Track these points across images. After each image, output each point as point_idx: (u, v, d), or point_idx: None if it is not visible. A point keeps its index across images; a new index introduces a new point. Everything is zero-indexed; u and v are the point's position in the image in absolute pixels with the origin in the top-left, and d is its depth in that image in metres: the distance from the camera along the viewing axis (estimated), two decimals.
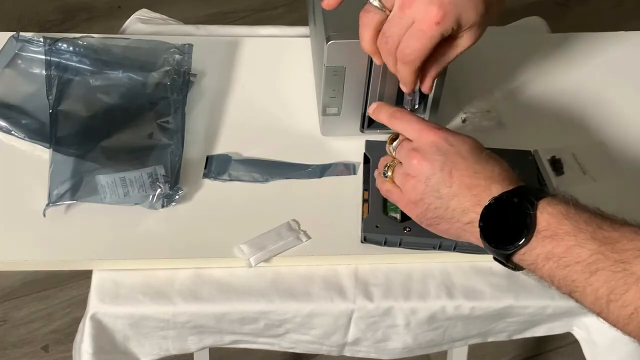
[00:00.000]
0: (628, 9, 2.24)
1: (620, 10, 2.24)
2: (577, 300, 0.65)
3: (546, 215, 0.66)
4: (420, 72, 0.78)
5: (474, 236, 0.71)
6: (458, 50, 0.77)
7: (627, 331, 0.63)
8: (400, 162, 0.77)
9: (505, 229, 0.67)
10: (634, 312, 0.61)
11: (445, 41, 0.75)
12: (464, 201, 0.71)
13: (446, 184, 0.72)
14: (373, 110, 0.83)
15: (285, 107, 0.98)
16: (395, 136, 0.78)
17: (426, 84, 0.80)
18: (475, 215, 0.70)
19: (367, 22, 0.76)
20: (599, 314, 0.64)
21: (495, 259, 0.71)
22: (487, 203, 0.69)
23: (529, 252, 0.66)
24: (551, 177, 0.91)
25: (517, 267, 0.70)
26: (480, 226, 0.69)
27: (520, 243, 0.66)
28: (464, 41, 0.76)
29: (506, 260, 0.69)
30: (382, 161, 0.80)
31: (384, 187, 0.79)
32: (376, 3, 0.75)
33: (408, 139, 0.77)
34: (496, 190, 0.69)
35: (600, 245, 0.63)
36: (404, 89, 0.81)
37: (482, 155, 0.73)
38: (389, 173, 0.78)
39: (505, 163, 0.74)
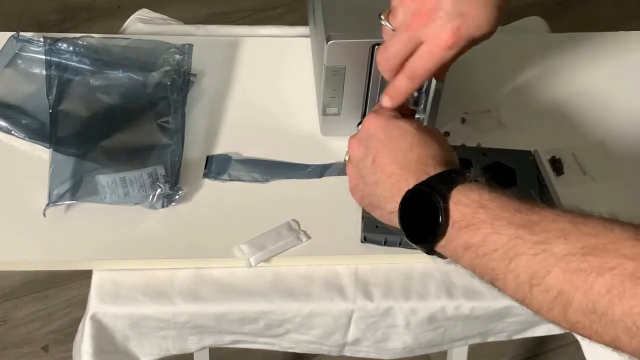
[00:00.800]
0: (628, 9, 2.24)
1: (620, 10, 2.24)
2: (500, 290, 0.62)
3: (460, 206, 0.63)
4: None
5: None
6: (465, 51, 0.75)
7: (551, 317, 0.61)
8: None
9: (422, 222, 0.65)
10: (557, 295, 0.58)
11: None
12: (385, 189, 0.70)
13: (370, 171, 0.71)
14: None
15: (285, 107, 0.98)
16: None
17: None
18: (395, 204, 0.68)
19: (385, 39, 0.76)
20: (522, 302, 0.62)
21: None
22: (403, 194, 0.68)
23: (448, 244, 0.64)
24: (551, 177, 0.91)
25: (442, 256, 0.67)
26: (399, 219, 0.68)
27: (437, 234, 0.64)
28: (476, 44, 0.74)
29: (430, 250, 0.67)
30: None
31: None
32: (384, 22, 0.74)
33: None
34: (412, 180, 0.67)
35: (517, 229, 0.60)
36: (386, 99, 0.79)
37: (413, 140, 0.71)
38: (346, 157, 0.77)
39: (439, 144, 0.71)
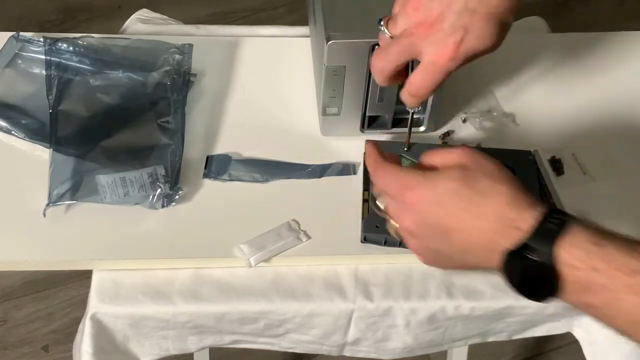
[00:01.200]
0: (628, 9, 2.24)
1: (620, 10, 2.24)
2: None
3: (571, 269, 0.59)
4: None
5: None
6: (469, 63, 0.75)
7: None
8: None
9: (530, 281, 0.62)
10: None
11: None
12: (477, 256, 0.65)
13: (447, 245, 0.66)
14: (366, 152, 0.76)
15: (285, 107, 0.98)
16: (379, 193, 0.72)
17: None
18: (493, 265, 0.64)
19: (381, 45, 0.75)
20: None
21: None
22: (500, 258, 0.63)
23: (566, 298, 0.61)
24: (551, 177, 0.91)
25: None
26: (507, 283, 0.65)
27: (552, 297, 0.62)
28: (479, 57, 0.73)
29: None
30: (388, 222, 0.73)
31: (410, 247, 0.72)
32: (384, 30, 0.73)
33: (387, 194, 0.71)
34: (504, 241, 0.62)
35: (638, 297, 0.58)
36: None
37: (476, 194, 0.65)
38: (392, 225, 0.71)
39: (504, 184, 0.65)
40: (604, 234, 0.60)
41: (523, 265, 0.61)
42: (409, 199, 0.67)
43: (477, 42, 0.70)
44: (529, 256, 0.60)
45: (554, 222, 0.61)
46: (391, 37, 0.73)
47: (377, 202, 0.71)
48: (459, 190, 0.65)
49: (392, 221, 0.70)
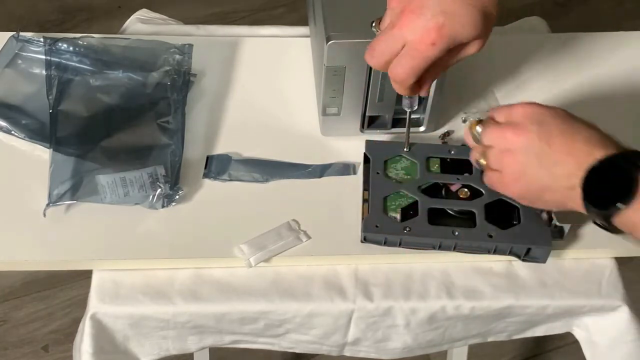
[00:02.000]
0: (628, 9, 2.24)
1: (620, 10, 2.24)
2: None
3: None
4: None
5: (576, 202, 0.70)
6: (457, 60, 0.77)
7: None
8: (490, 146, 0.75)
9: (608, 191, 0.67)
10: None
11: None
12: (566, 166, 0.70)
13: (546, 152, 0.71)
14: None
15: (285, 107, 0.98)
16: (478, 120, 0.76)
17: (423, 89, 0.80)
18: (577, 180, 0.69)
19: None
20: None
21: (595, 222, 0.71)
22: (590, 166, 0.68)
23: (633, 212, 0.66)
24: None
25: (616, 230, 0.69)
26: (582, 187, 0.68)
27: (624, 201, 0.66)
28: (467, 52, 0.76)
29: (608, 222, 0.68)
30: (473, 153, 0.78)
31: (486, 179, 0.77)
32: (374, 29, 0.76)
33: (494, 121, 0.75)
34: (599, 154, 0.68)
35: None
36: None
37: (577, 122, 0.72)
38: (482, 161, 0.76)
39: (600, 129, 0.72)
40: None
41: (607, 172, 0.67)
42: (518, 111, 0.73)
43: (459, 29, 0.72)
44: (618, 159, 0.67)
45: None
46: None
47: (477, 126, 0.76)
48: (561, 114, 0.73)
49: (481, 159, 0.76)
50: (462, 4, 0.71)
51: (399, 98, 0.90)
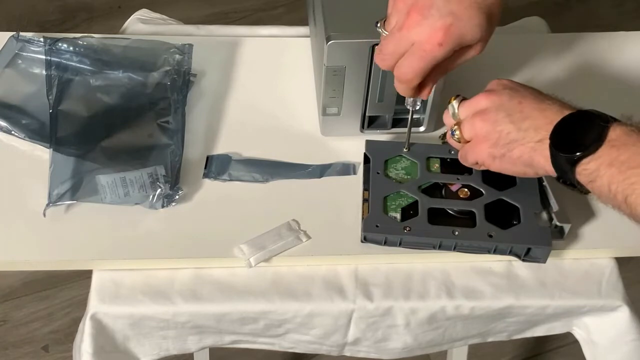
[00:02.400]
0: (628, 9, 2.24)
1: (620, 10, 2.24)
2: (629, 206, 0.67)
3: (618, 130, 0.68)
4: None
5: (544, 156, 0.72)
6: (461, 62, 0.77)
7: None
8: (465, 118, 0.77)
9: (575, 140, 0.69)
10: None
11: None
12: (536, 121, 0.72)
13: (517, 109, 0.73)
14: None
15: (285, 107, 0.98)
16: (456, 96, 0.78)
17: (424, 92, 0.80)
18: (546, 133, 0.71)
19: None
20: None
21: (558, 179, 0.73)
22: (560, 119, 0.71)
23: (594, 160, 0.68)
24: (551, 177, 0.91)
25: (576, 184, 0.71)
26: (551, 138, 0.70)
27: (590, 148, 0.68)
28: (469, 55, 0.76)
29: (571, 170, 0.70)
30: (448, 130, 0.80)
31: (459, 150, 0.80)
32: (381, 30, 0.76)
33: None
34: (568, 111, 0.72)
35: None
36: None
37: (547, 95, 0.75)
38: (457, 132, 0.77)
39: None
40: None
41: (576, 123, 0.70)
42: (493, 82, 0.78)
43: (466, 30, 0.72)
44: (589, 112, 0.71)
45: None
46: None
47: (453, 101, 0.78)
48: (534, 89, 0.76)
49: (456, 130, 0.78)
50: (470, 6, 0.71)
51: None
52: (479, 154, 0.76)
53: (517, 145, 0.73)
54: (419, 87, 0.78)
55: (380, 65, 0.77)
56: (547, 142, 0.71)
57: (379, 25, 0.77)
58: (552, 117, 0.71)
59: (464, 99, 0.78)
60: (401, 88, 0.78)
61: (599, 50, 1.07)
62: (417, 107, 0.85)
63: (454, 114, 0.78)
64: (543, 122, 0.72)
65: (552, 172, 0.72)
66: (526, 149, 0.73)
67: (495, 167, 0.76)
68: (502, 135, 0.73)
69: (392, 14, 0.75)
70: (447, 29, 0.71)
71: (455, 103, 0.78)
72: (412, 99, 0.84)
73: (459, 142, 0.78)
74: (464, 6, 0.71)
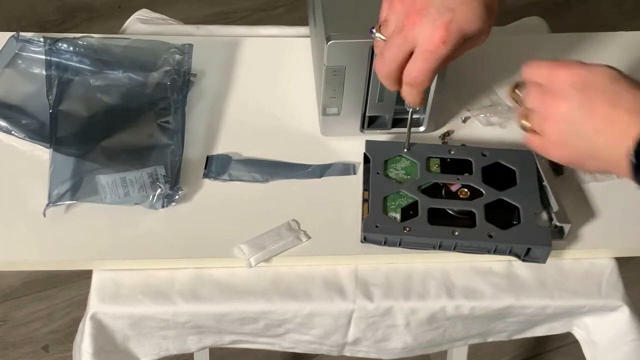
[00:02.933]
0: (628, 9, 2.24)
1: (620, 10, 2.24)
2: None
3: None
4: None
5: (622, 170, 0.68)
6: (461, 53, 0.76)
7: None
8: (532, 110, 0.73)
9: None
10: None
11: None
12: (609, 137, 0.68)
13: (587, 121, 0.69)
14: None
15: (285, 107, 0.98)
16: (517, 83, 0.74)
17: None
18: (621, 150, 0.67)
19: (377, 52, 0.77)
20: None
21: None
22: (635, 136, 0.65)
23: None
24: (551, 177, 0.91)
25: None
26: (632, 162, 0.66)
27: None
28: (470, 46, 0.75)
29: None
30: (516, 115, 0.75)
31: (528, 141, 0.75)
32: (378, 35, 0.76)
33: (537, 83, 0.72)
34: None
35: None
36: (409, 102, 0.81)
37: (622, 85, 0.68)
38: (525, 122, 0.73)
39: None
40: None
41: None
42: (559, 76, 0.69)
43: (466, 23, 0.72)
44: None
45: None
46: (385, 40, 0.75)
47: (516, 90, 0.73)
48: (607, 77, 0.68)
49: (525, 121, 0.72)
50: None
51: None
52: (550, 155, 0.73)
53: (591, 159, 0.70)
54: None
55: (382, 71, 0.76)
56: (625, 160, 0.67)
57: (374, 30, 0.77)
58: (626, 130, 0.66)
59: (520, 84, 0.73)
60: (412, 93, 0.77)
61: (599, 50, 1.07)
62: (418, 108, 0.85)
63: (517, 101, 0.74)
64: (617, 137, 0.67)
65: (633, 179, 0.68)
66: (602, 163, 0.70)
67: (571, 166, 0.75)
68: (574, 149, 0.71)
69: (389, 17, 0.75)
70: (448, 25, 0.71)
71: (518, 92, 0.73)
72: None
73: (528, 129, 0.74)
74: (461, 0, 0.71)
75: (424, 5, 0.72)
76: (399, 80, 0.77)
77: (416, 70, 0.74)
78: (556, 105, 0.70)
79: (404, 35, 0.73)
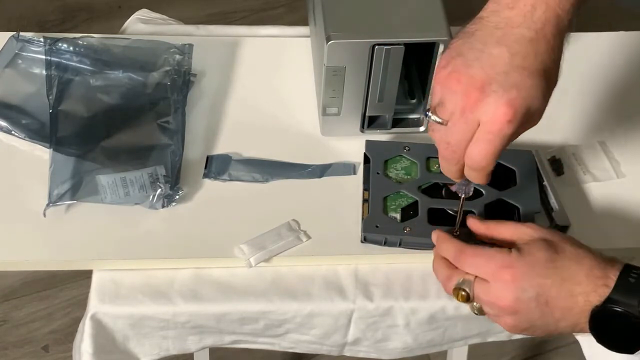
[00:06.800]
0: (628, 9, 2.24)
1: (620, 10, 2.24)
2: None
3: None
4: None
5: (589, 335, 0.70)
6: (519, 134, 0.69)
7: None
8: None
9: (621, 335, 0.68)
10: None
11: None
12: (569, 322, 0.70)
13: (547, 316, 0.69)
14: (435, 240, 0.78)
15: (285, 107, 0.98)
16: (465, 296, 0.73)
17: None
18: (584, 326, 0.69)
19: (439, 138, 0.70)
20: None
21: None
22: (590, 315, 0.68)
23: None
24: (551, 177, 0.91)
25: None
26: (594, 335, 0.69)
27: (634, 349, 0.67)
28: (528, 126, 0.69)
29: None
30: (449, 280, 0.75)
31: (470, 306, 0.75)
32: (435, 118, 0.69)
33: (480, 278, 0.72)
34: (595, 299, 0.67)
35: None
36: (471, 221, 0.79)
37: (569, 261, 0.69)
38: (468, 290, 0.72)
39: (583, 248, 0.71)
40: None
41: (611, 318, 0.67)
42: (510, 276, 0.69)
43: (531, 101, 0.66)
44: (616, 309, 0.66)
45: (633, 277, 0.67)
46: (443, 124, 0.68)
47: (460, 286, 0.73)
48: (554, 260, 0.69)
49: (475, 303, 0.73)
50: (531, 74, 0.66)
51: (399, 98, 0.90)
52: (502, 324, 0.73)
53: (555, 332, 0.72)
54: None
55: (450, 159, 0.70)
56: (588, 332, 0.69)
57: (429, 114, 0.69)
58: (583, 313, 0.68)
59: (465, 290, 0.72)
60: (476, 176, 0.71)
61: (599, 50, 1.07)
62: (470, 194, 0.79)
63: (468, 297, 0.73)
64: (576, 320, 0.69)
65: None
66: (567, 332, 0.71)
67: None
68: (537, 332, 0.72)
69: (445, 98, 0.68)
70: (513, 103, 0.64)
71: (463, 282, 0.72)
72: (464, 184, 0.77)
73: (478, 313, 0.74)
74: (525, 75, 0.65)
75: (485, 81, 0.65)
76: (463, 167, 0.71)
77: (478, 153, 0.67)
78: (514, 317, 0.71)
79: (467, 116, 0.66)
